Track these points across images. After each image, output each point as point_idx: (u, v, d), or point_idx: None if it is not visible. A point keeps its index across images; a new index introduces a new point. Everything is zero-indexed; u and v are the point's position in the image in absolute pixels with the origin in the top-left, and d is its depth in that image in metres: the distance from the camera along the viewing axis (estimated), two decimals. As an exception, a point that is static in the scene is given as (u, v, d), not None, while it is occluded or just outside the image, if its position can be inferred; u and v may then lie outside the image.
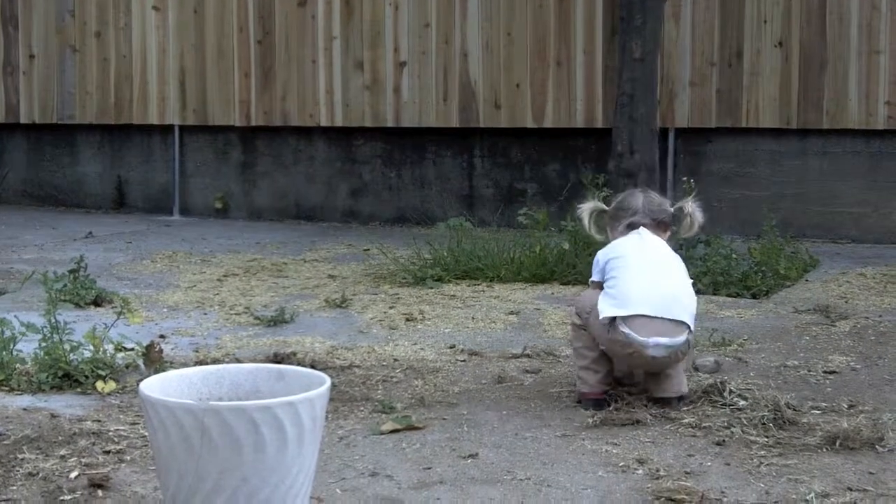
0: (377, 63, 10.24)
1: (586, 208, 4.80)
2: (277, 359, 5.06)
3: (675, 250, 4.63)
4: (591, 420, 4.22)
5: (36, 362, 4.73)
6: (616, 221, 4.67)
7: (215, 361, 5.04)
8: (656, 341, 4.30)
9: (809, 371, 4.99)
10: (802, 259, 7.61)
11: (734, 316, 6.20)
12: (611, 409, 4.33)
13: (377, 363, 5.15)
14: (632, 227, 4.58)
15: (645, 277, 4.40)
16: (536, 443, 4.01)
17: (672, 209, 4.70)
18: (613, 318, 4.34)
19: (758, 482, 3.59)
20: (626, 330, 4.31)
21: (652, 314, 4.33)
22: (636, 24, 8.06)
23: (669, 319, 4.33)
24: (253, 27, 10.66)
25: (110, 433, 4.06)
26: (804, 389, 4.68)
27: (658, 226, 4.61)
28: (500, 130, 9.96)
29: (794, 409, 4.27)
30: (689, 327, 4.38)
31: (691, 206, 4.70)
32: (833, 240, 8.94)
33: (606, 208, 4.76)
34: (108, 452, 3.86)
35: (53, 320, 4.75)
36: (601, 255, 4.54)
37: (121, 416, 4.29)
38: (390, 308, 6.41)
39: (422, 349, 5.44)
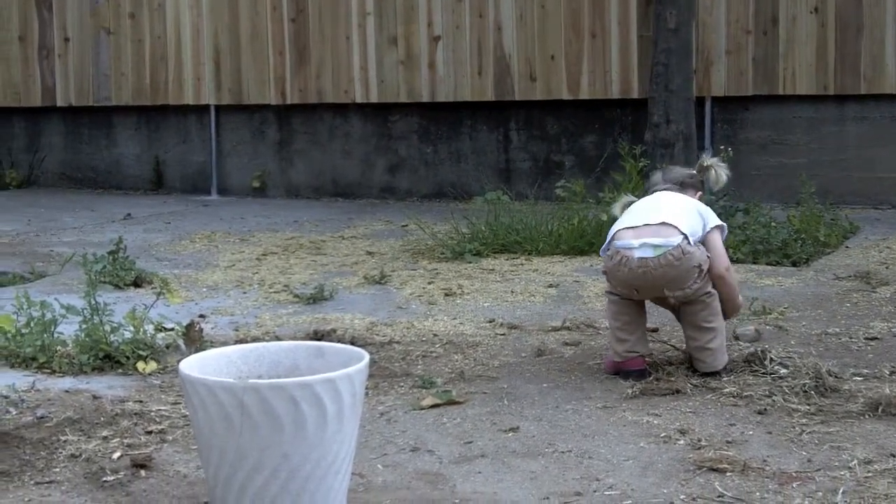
0: (411, 38, 10.22)
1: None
2: (317, 336, 5.07)
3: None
4: (630, 391, 4.21)
5: (77, 344, 4.75)
6: None
7: (255, 340, 5.05)
8: (642, 241, 4.35)
9: (851, 338, 4.96)
10: (842, 226, 7.56)
11: (774, 284, 6.17)
12: (651, 379, 4.32)
13: (416, 338, 5.15)
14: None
15: (632, 210, 4.58)
16: (577, 415, 4.01)
17: (694, 170, 4.83)
18: (608, 247, 4.46)
19: (800, 450, 3.58)
20: (616, 243, 4.42)
21: (635, 224, 4.44)
22: (671, -7, 8.02)
23: (653, 224, 4.39)
24: (286, 5, 10.66)
25: (152, 413, 4.09)
26: (845, 356, 4.66)
27: (682, 187, 4.72)
28: (536, 103, 9.93)
29: (836, 377, 4.26)
30: (684, 236, 4.35)
31: (710, 160, 4.81)
32: (873, 206, 8.88)
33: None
34: (150, 433, 3.88)
35: (93, 302, 4.77)
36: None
37: (162, 396, 4.31)
38: (429, 283, 6.41)
39: (461, 324, 5.44)
